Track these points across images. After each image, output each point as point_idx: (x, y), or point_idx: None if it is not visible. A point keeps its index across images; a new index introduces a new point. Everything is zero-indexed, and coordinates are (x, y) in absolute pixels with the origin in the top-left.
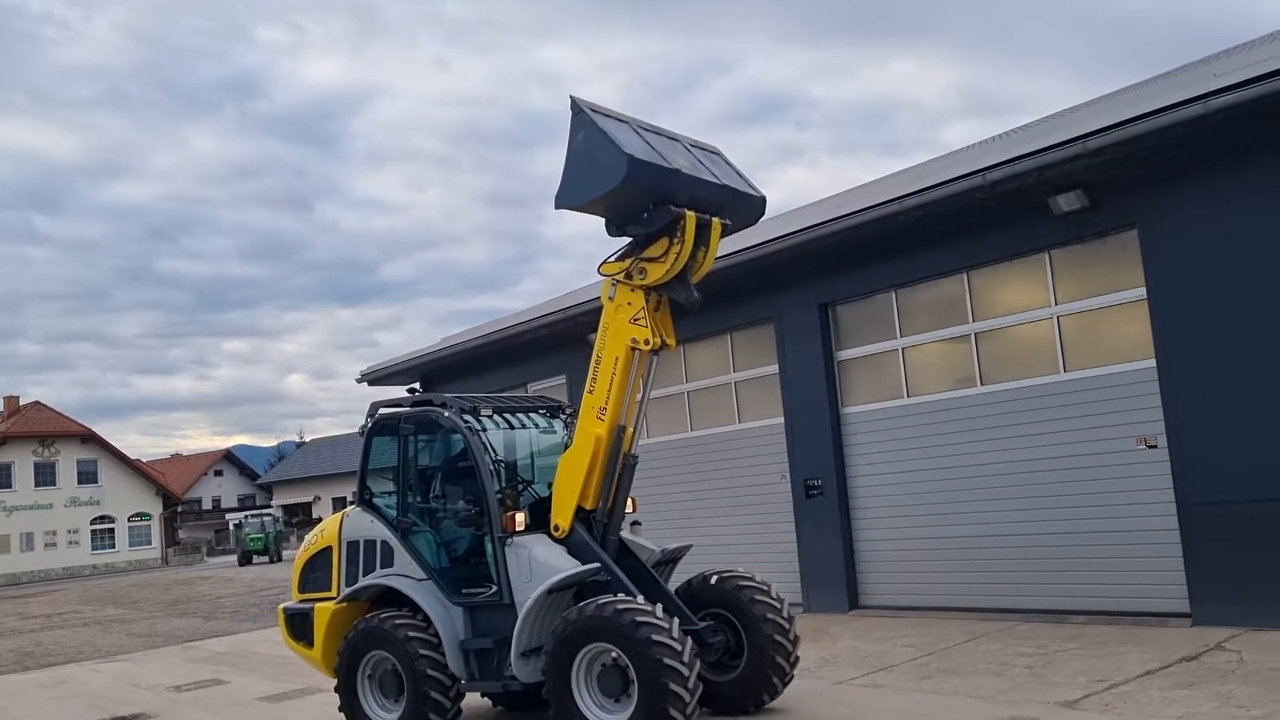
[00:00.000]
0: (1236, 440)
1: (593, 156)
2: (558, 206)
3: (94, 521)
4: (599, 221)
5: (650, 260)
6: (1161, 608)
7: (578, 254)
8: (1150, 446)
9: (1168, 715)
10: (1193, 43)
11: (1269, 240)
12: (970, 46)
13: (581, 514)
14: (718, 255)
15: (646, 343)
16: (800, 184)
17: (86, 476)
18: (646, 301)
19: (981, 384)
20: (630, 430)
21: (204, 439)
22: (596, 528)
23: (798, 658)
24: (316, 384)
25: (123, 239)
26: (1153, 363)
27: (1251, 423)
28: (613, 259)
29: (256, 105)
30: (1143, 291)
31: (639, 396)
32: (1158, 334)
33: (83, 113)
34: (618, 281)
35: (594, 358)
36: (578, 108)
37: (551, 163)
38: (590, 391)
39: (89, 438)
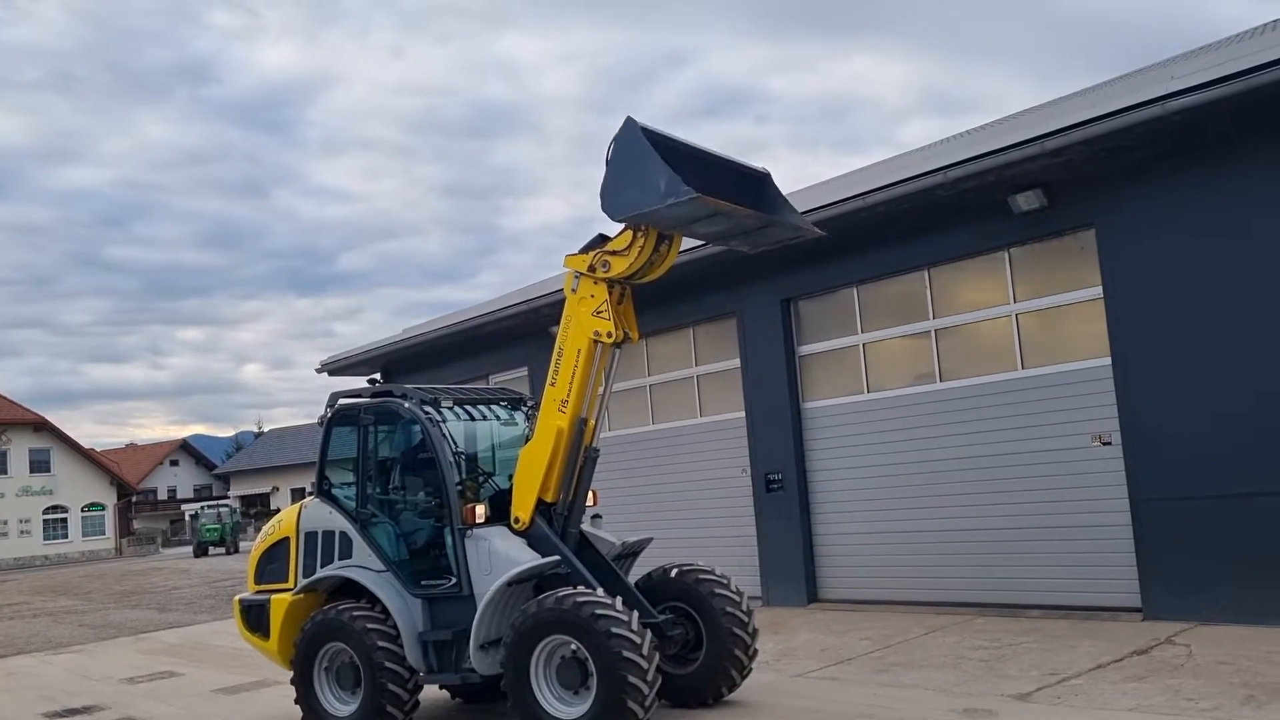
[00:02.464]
0: (1188, 438)
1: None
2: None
3: (46, 511)
4: (558, 214)
5: (614, 254)
6: (1113, 602)
7: (537, 246)
8: (1104, 443)
9: (1119, 708)
10: (1150, 46)
11: (1223, 241)
12: (928, 44)
13: (542, 507)
14: (681, 249)
15: (609, 335)
16: None
17: (39, 465)
18: (610, 294)
19: (941, 380)
20: (592, 423)
21: (159, 428)
22: (557, 520)
23: (756, 651)
24: (274, 374)
25: (72, 224)
26: (1108, 361)
27: (1202, 421)
28: (577, 252)
29: (209, 90)
30: (1099, 290)
31: (601, 389)
32: (1113, 333)
33: (29, 95)
34: (581, 275)
35: (556, 350)
36: (631, 131)
37: (510, 153)
38: (552, 384)
39: (41, 426)
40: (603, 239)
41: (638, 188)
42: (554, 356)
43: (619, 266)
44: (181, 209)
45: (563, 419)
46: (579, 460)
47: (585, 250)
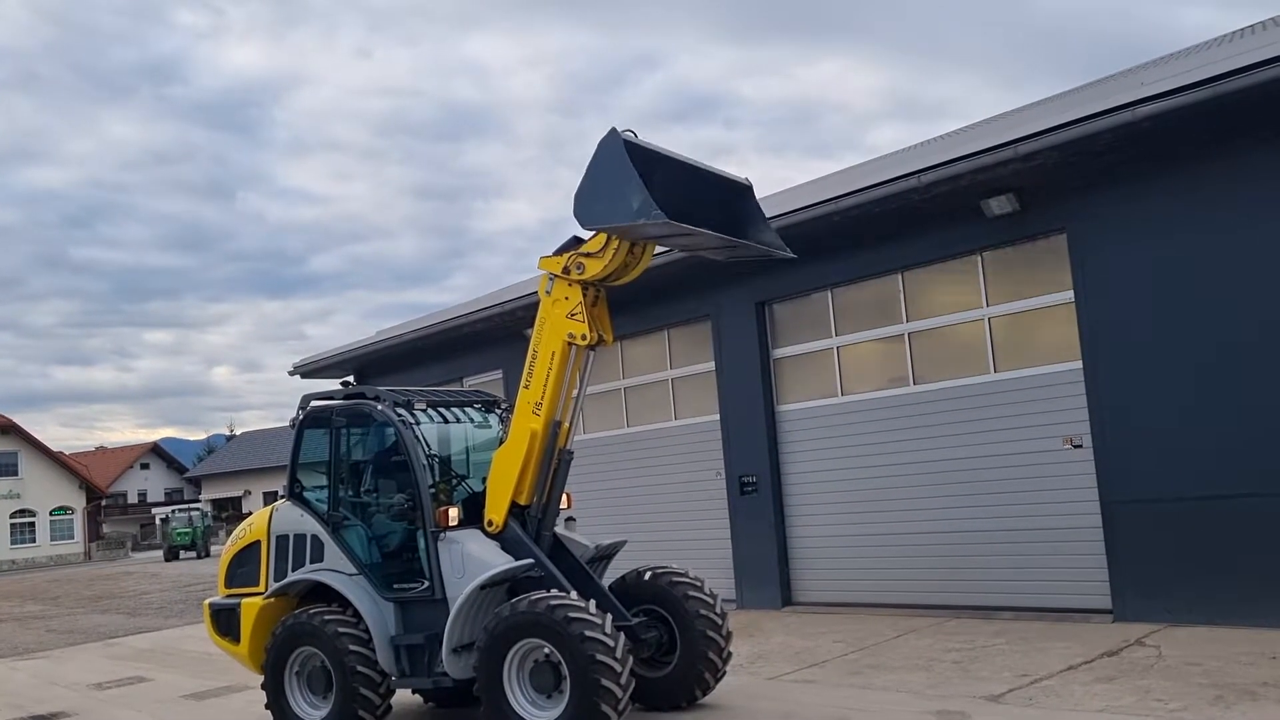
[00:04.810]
0: (1158, 441)
1: (613, 184)
2: (580, 220)
3: (13, 515)
4: (529, 217)
5: (588, 256)
6: (1085, 604)
7: (509, 249)
8: (1076, 446)
9: (1089, 709)
10: (1118, 53)
11: (1192, 246)
12: (897, 48)
13: (516, 509)
14: (656, 252)
15: (583, 338)
16: None
17: (6, 469)
18: (584, 296)
19: (914, 383)
20: (566, 425)
21: (128, 432)
22: (531, 523)
23: (730, 653)
24: (244, 376)
25: (37, 225)
26: (1079, 364)
27: (1172, 424)
28: (551, 254)
29: (174, 90)
30: (1071, 294)
31: (575, 392)
32: (1084, 336)
33: None
34: (555, 277)
35: (530, 352)
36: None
37: (479, 156)
38: (526, 386)
39: (9, 428)
40: (577, 241)
41: (611, 201)
42: (528, 359)
43: (593, 269)
44: (147, 210)
45: (536, 421)
46: (553, 463)
47: (559, 252)
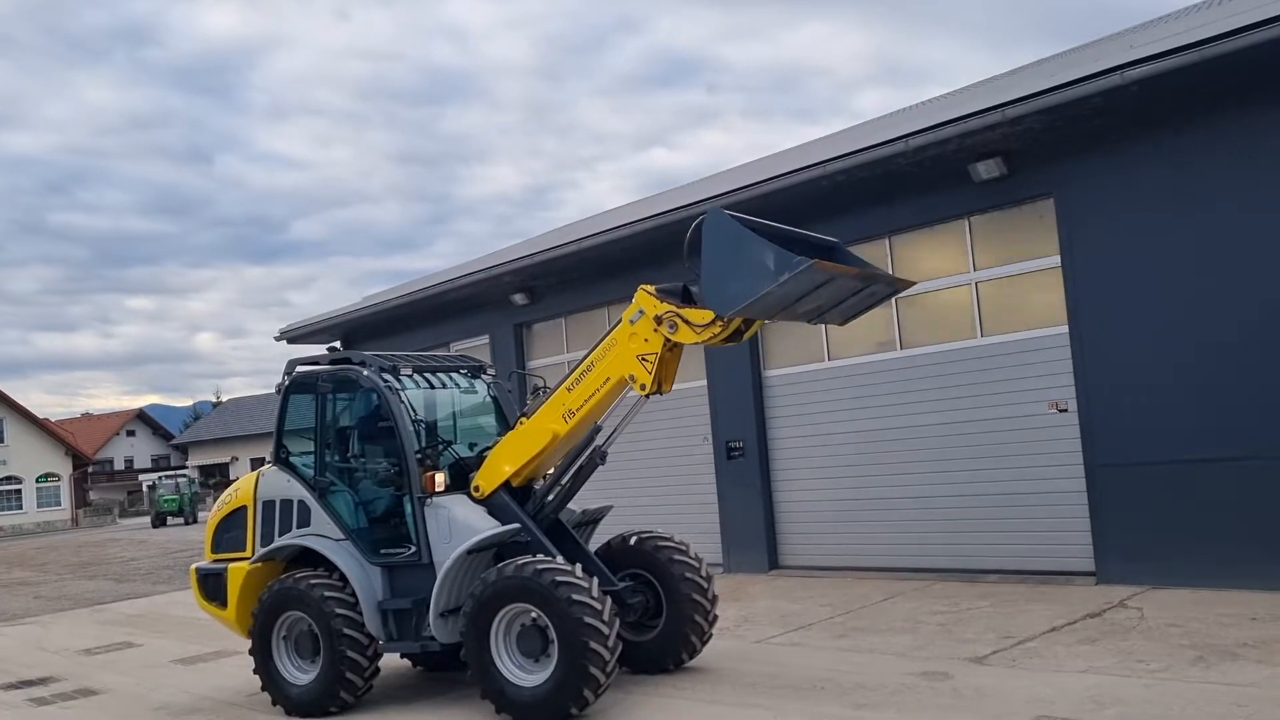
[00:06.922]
0: (1142, 405)
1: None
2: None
3: (0, 482)
4: (511, 182)
5: (687, 323)
6: (1068, 566)
7: (492, 214)
8: (1061, 410)
9: (1072, 669)
10: (1107, 18)
11: (1179, 211)
12: (882, 12)
13: (506, 485)
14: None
15: (642, 387)
16: (715, 148)
17: None
18: (662, 346)
19: (901, 348)
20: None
21: (112, 399)
22: (534, 503)
23: (716, 617)
24: (228, 343)
25: (14, 191)
26: (1065, 329)
27: (1156, 388)
28: (655, 290)
29: (149, 53)
30: (1057, 259)
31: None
32: (1071, 301)
33: None
34: (644, 312)
35: (586, 361)
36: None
37: (462, 120)
38: (568, 389)
39: None
40: (685, 293)
41: (745, 274)
42: (582, 366)
43: (684, 337)
44: (125, 175)
45: (562, 426)
46: (580, 459)
47: (664, 296)
